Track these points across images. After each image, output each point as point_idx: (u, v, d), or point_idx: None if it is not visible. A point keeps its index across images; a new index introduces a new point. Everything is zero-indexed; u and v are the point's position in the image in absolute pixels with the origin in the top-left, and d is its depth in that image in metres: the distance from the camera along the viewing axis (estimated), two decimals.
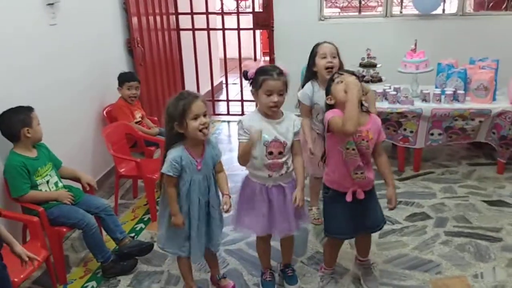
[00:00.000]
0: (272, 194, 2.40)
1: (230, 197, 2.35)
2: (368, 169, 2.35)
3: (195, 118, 2.18)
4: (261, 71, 2.30)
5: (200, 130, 2.20)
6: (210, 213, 2.38)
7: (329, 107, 2.33)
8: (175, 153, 2.25)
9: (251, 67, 2.33)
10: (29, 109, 2.71)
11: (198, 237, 2.37)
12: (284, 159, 2.36)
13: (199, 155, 2.30)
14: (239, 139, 2.33)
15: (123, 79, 3.89)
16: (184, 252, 2.42)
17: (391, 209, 2.43)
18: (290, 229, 2.46)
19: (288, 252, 2.70)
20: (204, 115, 2.21)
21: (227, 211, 2.34)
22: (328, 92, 2.34)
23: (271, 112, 2.31)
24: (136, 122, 3.85)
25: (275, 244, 2.69)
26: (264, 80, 2.25)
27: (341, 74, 2.30)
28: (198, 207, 2.32)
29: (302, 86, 3.04)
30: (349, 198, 2.33)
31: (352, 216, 2.39)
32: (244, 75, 2.36)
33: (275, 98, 2.25)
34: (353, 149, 2.27)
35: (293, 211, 2.41)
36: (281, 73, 2.29)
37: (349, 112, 2.13)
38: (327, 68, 2.84)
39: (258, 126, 2.27)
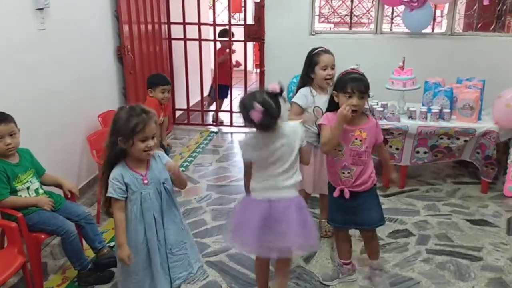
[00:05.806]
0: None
1: (179, 171, 2.21)
2: (361, 170, 2.43)
3: (144, 140, 2.07)
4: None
5: (145, 151, 2.08)
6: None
7: (331, 105, 2.47)
8: (115, 171, 2.11)
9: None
10: None
11: (163, 265, 2.18)
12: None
13: (144, 169, 2.15)
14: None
15: (156, 81, 3.86)
16: None
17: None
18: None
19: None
20: (152, 138, 2.09)
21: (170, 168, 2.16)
22: (340, 88, 2.39)
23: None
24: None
25: None
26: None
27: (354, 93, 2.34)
28: (156, 229, 2.15)
29: (296, 92, 3.05)
30: (336, 194, 2.49)
31: (342, 209, 2.52)
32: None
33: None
34: (339, 150, 2.43)
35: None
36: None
37: (330, 140, 2.38)
38: (326, 79, 2.90)
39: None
